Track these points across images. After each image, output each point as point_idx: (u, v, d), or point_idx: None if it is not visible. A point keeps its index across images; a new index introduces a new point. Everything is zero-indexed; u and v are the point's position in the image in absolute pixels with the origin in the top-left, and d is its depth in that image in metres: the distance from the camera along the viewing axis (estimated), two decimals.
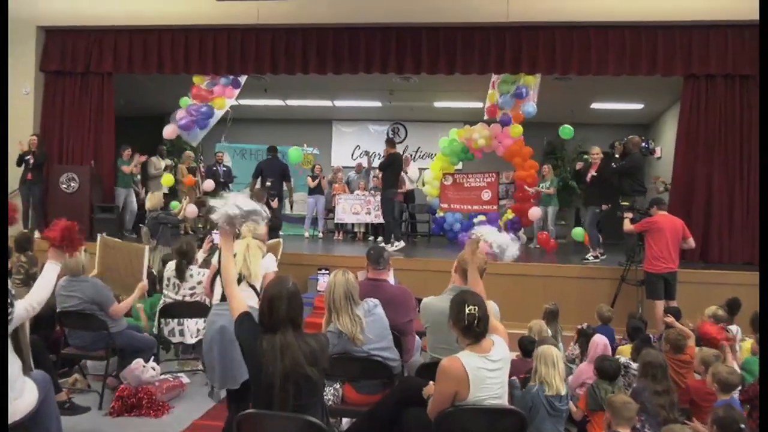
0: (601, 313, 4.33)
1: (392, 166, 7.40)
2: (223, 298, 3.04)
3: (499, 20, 7.11)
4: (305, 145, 10.27)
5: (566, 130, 8.69)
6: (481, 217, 9.36)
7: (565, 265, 6.45)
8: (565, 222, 10.81)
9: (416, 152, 12.85)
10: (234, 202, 2.24)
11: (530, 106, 8.18)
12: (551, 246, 8.06)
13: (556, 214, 8.66)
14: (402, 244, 7.45)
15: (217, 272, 3.37)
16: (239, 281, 3.74)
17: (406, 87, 9.76)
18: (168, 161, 9.58)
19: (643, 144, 6.22)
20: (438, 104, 11.28)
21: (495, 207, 8.80)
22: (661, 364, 2.86)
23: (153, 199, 6.30)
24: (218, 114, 8.44)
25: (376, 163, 9.43)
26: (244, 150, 10.29)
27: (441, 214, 9.65)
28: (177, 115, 8.36)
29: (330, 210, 10.14)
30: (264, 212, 2.32)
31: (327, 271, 4.00)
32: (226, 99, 8.43)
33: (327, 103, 11.60)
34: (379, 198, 8.38)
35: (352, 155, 12.93)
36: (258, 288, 3.14)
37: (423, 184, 10.07)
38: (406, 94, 10.38)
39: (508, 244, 2.76)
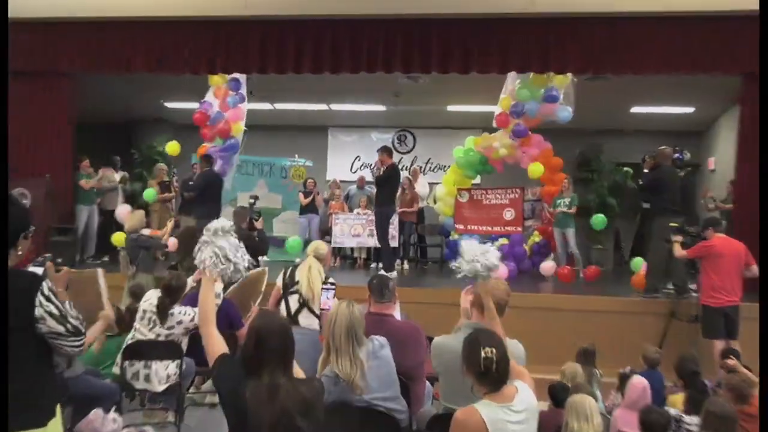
0: (647, 354, 4.27)
1: (392, 179, 7.55)
2: (290, 321, 3.36)
3: (523, 11, 7.07)
4: (296, 156, 10.36)
5: (599, 220, 8.85)
6: (503, 241, 9.38)
7: (604, 297, 6.39)
8: (603, 246, 10.80)
9: (426, 164, 12.96)
10: (220, 245, 2.31)
11: (565, 111, 8.24)
12: (592, 274, 8.04)
13: (574, 236, 8.53)
14: (394, 274, 7.53)
15: (282, 296, 3.99)
16: (301, 307, 3.94)
17: (414, 88, 9.85)
18: (123, 174, 9.70)
19: (676, 155, 6.20)
20: (451, 108, 11.38)
21: (519, 228, 8.82)
22: (729, 416, 2.79)
23: (133, 219, 6.29)
24: (239, 141, 9.20)
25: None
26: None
27: (456, 236, 9.67)
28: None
29: (326, 232, 10.18)
30: (244, 263, 2.38)
31: (333, 286, 3.99)
32: (240, 122, 8.97)
33: (322, 107, 11.71)
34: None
35: (352, 167, 13.03)
36: (319, 315, 3.22)
37: (434, 202, 10.14)
38: (415, 96, 10.49)
39: (487, 259, 2.75)
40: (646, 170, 6.67)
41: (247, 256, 2.42)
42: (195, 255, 2.35)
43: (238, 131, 9.01)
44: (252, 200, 7.39)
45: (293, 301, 4.04)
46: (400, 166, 12.58)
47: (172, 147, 9.33)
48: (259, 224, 6.74)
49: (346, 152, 13.14)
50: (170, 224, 6.56)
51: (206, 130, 8.91)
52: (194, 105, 10.99)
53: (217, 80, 8.99)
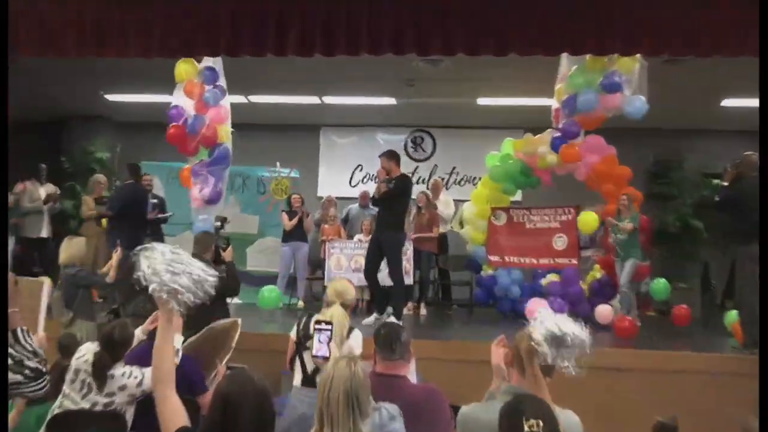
0: (748, 429, 4.25)
1: (404, 195, 7.75)
2: (307, 381, 3.77)
3: None
4: (278, 165, 10.45)
5: (660, 287, 8.89)
6: (553, 276, 9.37)
7: (689, 353, 6.37)
8: (686, 284, 10.74)
9: (450, 175, 13.05)
10: (178, 263, 2.37)
11: (636, 101, 8.22)
12: (681, 316, 7.98)
13: (632, 269, 8.37)
14: (375, 316, 7.64)
15: (297, 349, 4.33)
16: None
17: (434, 75, 9.94)
18: (51, 188, 9.81)
19: None
20: (483, 101, 11.48)
21: (574, 260, 8.80)
22: None
23: (70, 248, 6.31)
24: (230, 148, 9.24)
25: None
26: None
27: (489, 271, 9.67)
28: (194, 190, 8.94)
29: (317, 265, 10.21)
30: (209, 280, 2.41)
31: (329, 327, 4.02)
32: (226, 123, 9.07)
33: (312, 99, 11.87)
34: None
35: (351, 179, 13.13)
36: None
37: (461, 225, 10.21)
38: (434, 86, 10.60)
39: (576, 340, 2.76)
40: (725, 183, 6.69)
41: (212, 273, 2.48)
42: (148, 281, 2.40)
43: (226, 135, 9.03)
44: (219, 223, 7.46)
45: (310, 360, 4.17)
46: (415, 178, 12.92)
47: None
48: (227, 255, 6.72)
49: (343, 159, 13.29)
50: (117, 255, 6.56)
51: (183, 141, 8.84)
52: (144, 98, 11.13)
53: (184, 72, 8.88)
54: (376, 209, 9.98)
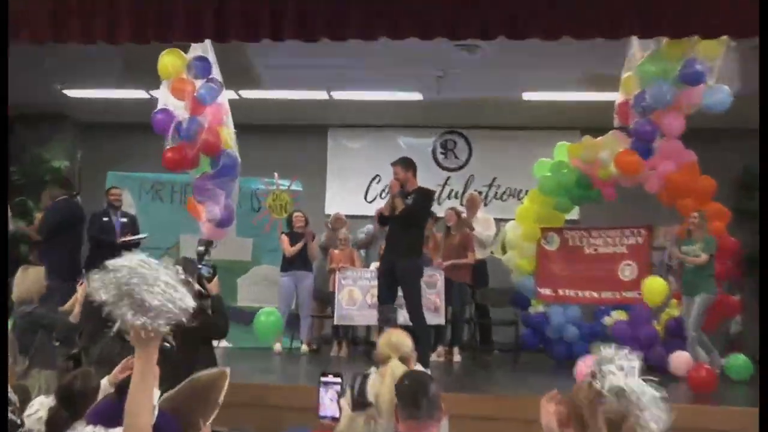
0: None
1: (426, 213, 8.03)
2: None
3: None
4: (276, 176, 10.47)
5: (738, 363, 8.44)
6: (619, 315, 9.29)
7: None
8: None
9: (489, 188, 13.05)
10: (157, 277, 2.33)
11: (719, 94, 8.15)
12: None
13: (706, 307, 8.19)
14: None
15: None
16: None
17: (469, 64, 9.98)
18: None
19: None
20: (530, 96, 11.51)
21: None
22: None
23: (25, 280, 6.32)
24: (237, 155, 9.27)
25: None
26: (161, 183, 10.73)
27: (539, 307, 9.62)
28: (207, 211, 8.93)
29: (324, 300, 10.25)
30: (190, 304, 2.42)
31: (338, 379, 4.04)
32: (227, 124, 9.08)
33: (319, 95, 11.96)
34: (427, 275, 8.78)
35: (367, 193, 13.15)
36: None
37: (503, 250, 10.26)
38: (469, 77, 10.64)
39: (650, 403, 2.73)
40: None
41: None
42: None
43: (230, 139, 9.02)
44: (202, 248, 7.45)
45: None
46: (446, 192, 13.08)
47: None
48: (213, 287, 6.70)
49: (357, 169, 13.35)
50: (82, 288, 6.58)
51: (181, 151, 8.78)
52: (112, 93, 11.25)
53: (171, 67, 8.80)
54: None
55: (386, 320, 7.69)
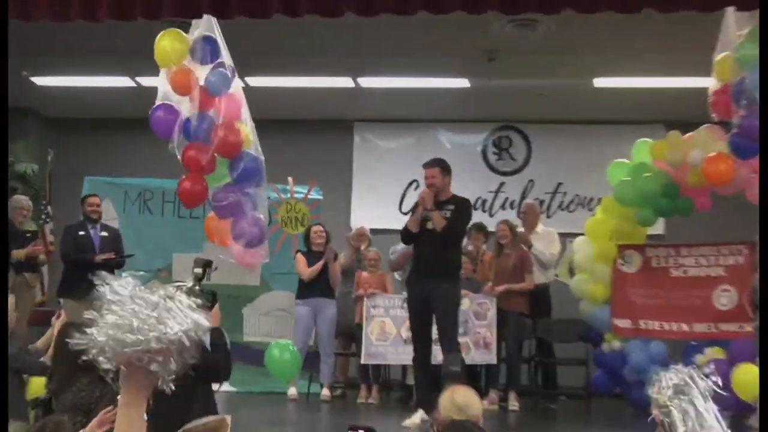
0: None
1: (465, 229, 8.27)
2: None
3: None
4: (290, 181, 10.52)
5: None
6: (715, 352, 9.18)
7: None
8: None
9: (553, 195, 13.04)
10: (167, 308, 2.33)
11: None
12: None
13: None
14: (421, 416, 7.70)
15: None
16: None
17: (527, 44, 10.02)
18: None
19: None
20: (602, 82, 11.51)
21: (748, 326, 8.69)
22: None
23: None
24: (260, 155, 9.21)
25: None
26: (150, 191, 10.78)
27: (615, 343, 9.54)
28: (235, 229, 8.92)
29: (349, 333, 10.33)
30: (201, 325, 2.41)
31: None
32: (244, 117, 9.02)
33: (343, 81, 12.03)
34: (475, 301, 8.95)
35: (402, 203, 13.16)
36: None
37: (570, 273, 10.25)
38: (528, 60, 10.69)
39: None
40: None
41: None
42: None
43: (248, 137, 8.95)
44: (200, 270, 7.44)
45: None
46: (500, 200, 13.13)
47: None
48: (213, 318, 6.76)
49: (389, 172, 13.41)
50: (59, 322, 6.63)
51: (194, 155, 8.73)
52: (90, 81, 11.36)
53: (171, 51, 8.69)
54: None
55: (450, 375, 7.65)
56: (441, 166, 8.02)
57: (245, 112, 9.04)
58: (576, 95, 11.89)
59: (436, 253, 7.90)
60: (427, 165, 8.07)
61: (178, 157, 8.59)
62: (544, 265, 10.19)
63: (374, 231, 11.28)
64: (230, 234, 8.88)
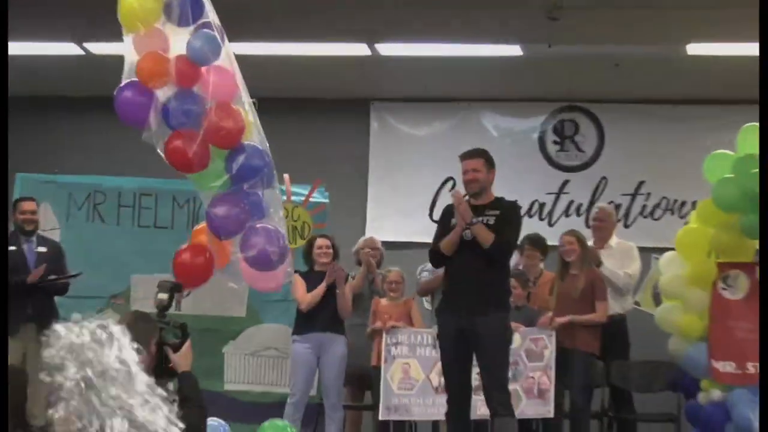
0: None
1: (513, 240, 8.24)
2: None
3: None
4: (287, 181, 10.52)
5: None
6: None
7: None
8: None
9: (633, 198, 13.05)
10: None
11: None
12: None
13: None
14: None
15: None
16: None
17: (600, 2, 9.94)
18: None
19: None
20: (697, 48, 11.46)
21: None
22: None
23: None
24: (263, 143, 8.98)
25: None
26: (102, 192, 10.73)
27: (715, 392, 9.50)
28: (244, 247, 8.82)
29: (362, 379, 10.30)
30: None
31: None
32: (239, 91, 8.85)
33: (357, 49, 12.11)
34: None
35: (432, 208, 13.18)
36: None
37: (654, 300, 10.34)
38: (598, 20, 10.71)
39: None
40: None
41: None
42: None
43: (249, 120, 8.80)
44: (165, 296, 7.45)
45: None
46: (564, 202, 13.13)
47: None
48: (182, 359, 6.80)
49: (416, 167, 13.51)
50: None
51: (180, 146, 8.60)
52: (21, 48, 11.45)
53: (139, 10, 8.52)
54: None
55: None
56: (485, 157, 8.05)
57: (242, 88, 8.94)
58: (662, 66, 11.89)
59: (479, 274, 7.91)
60: (467, 156, 8.07)
61: (159, 149, 8.46)
62: (620, 290, 10.09)
63: (397, 245, 11.50)
64: (233, 249, 8.79)
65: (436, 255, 8.16)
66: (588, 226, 11.19)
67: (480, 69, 12.49)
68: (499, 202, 7.96)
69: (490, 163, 8.05)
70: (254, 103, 8.93)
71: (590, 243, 10.16)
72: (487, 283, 7.90)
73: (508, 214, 7.83)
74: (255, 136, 8.80)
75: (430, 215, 13.05)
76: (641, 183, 13.05)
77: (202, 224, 8.93)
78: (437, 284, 10.02)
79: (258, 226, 8.70)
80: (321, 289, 9.76)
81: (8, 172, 9.17)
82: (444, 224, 8.08)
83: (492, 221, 7.74)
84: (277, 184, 9.15)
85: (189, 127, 8.36)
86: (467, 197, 7.94)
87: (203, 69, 8.45)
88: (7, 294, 2.31)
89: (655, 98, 12.83)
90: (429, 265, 10.53)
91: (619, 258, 10.28)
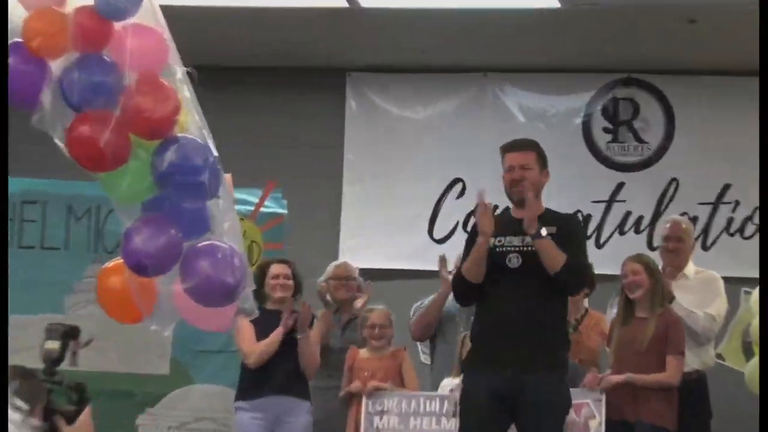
0: None
1: (585, 265, 8.12)
2: None
3: None
4: (227, 181, 10.46)
5: None
6: None
7: None
8: None
9: (715, 208, 12.99)
10: None
11: None
12: None
13: None
14: None
15: None
16: None
17: None
18: None
19: None
20: None
21: None
22: None
23: None
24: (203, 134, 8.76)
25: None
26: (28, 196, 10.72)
27: None
28: (186, 278, 8.66)
29: None
30: None
31: None
32: (172, 77, 8.68)
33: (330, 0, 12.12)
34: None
35: (433, 223, 13.14)
36: None
37: (745, 352, 10.42)
38: None
39: None
40: None
41: None
42: None
43: (183, 100, 8.71)
44: (56, 345, 7.42)
45: None
46: (619, 213, 13.08)
47: None
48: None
49: (409, 163, 13.49)
50: None
51: (88, 134, 8.51)
52: None
53: None
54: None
55: None
56: (537, 150, 7.89)
57: (172, 55, 8.76)
58: (755, 21, 11.80)
59: (530, 314, 7.73)
60: (513, 147, 7.91)
61: (56, 138, 8.36)
62: (698, 336, 9.93)
63: (382, 274, 11.47)
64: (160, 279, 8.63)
65: (460, 285, 7.93)
66: (652, 248, 11.10)
67: (500, 26, 12.45)
68: (553, 215, 7.82)
69: (543, 161, 7.89)
70: (190, 74, 8.87)
71: (663, 268, 10.10)
72: (543, 326, 7.75)
73: (571, 231, 7.77)
74: (192, 121, 8.34)
75: (429, 233, 13.11)
76: (726, 187, 13.03)
77: (116, 261, 8.51)
78: (435, 316, 9.99)
79: (202, 244, 8.56)
80: (277, 335, 9.61)
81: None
82: (467, 247, 7.83)
83: (545, 234, 7.51)
84: (226, 186, 8.95)
85: (99, 107, 7.98)
86: (510, 207, 7.85)
87: (117, 26, 8.16)
88: (7, 293, 2.49)
89: (746, 69, 12.58)
90: (429, 300, 10.49)
91: (697, 293, 10.15)
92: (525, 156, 7.81)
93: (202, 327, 8.49)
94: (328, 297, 10.73)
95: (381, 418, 9.57)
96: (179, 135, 7.90)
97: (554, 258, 7.48)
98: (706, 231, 12.72)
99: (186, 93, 8.11)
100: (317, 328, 9.97)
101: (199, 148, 7.93)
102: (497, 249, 7.63)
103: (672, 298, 9.73)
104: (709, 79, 13.09)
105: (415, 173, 13.37)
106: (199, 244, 7.88)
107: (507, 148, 7.92)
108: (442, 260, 10.67)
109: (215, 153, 7.97)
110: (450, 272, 9.97)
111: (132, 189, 7.97)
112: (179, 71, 8.29)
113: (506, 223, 7.65)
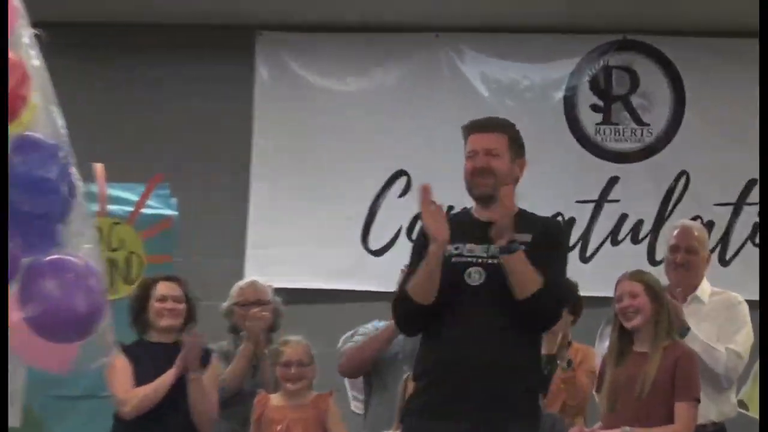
0: None
1: (566, 287, 8.14)
2: None
3: None
4: (98, 172, 10.41)
5: None
6: None
7: None
8: None
9: (736, 215, 12.96)
10: None
11: None
12: None
13: None
14: None
15: None
16: None
17: None
18: None
19: None
20: None
21: None
22: None
23: None
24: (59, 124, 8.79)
25: None
26: None
27: None
28: (25, 299, 8.63)
29: None
30: None
31: None
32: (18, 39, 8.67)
33: None
34: None
35: (368, 229, 13.12)
36: None
37: None
38: None
39: None
40: None
41: None
42: None
43: (30, 71, 8.73)
44: None
45: None
46: (614, 216, 13.11)
47: None
48: None
49: (337, 150, 13.48)
50: None
51: None
52: None
53: None
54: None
55: None
56: (509, 133, 7.46)
57: (18, 12, 8.75)
58: None
59: (493, 347, 7.47)
60: (478, 126, 7.55)
61: None
62: (718, 380, 9.93)
63: (300, 295, 11.38)
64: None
65: (404, 308, 7.48)
66: (655, 263, 11.07)
67: None
68: (529, 219, 7.41)
69: (518, 147, 7.47)
70: (38, 37, 8.76)
71: (670, 290, 10.03)
72: (511, 367, 7.45)
73: (550, 241, 7.43)
74: (41, 105, 8.61)
75: (364, 241, 13.12)
76: (751, 183, 13.03)
77: None
78: (377, 352, 9.92)
79: (47, 260, 8.50)
80: (167, 378, 9.57)
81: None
82: (422, 254, 7.25)
83: (517, 246, 7.38)
84: (80, 187, 8.87)
85: None
86: (472, 206, 7.47)
87: None
88: (7, 292, 2.63)
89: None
90: (369, 326, 10.41)
91: (714, 321, 10.10)
92: (493, 138, 7.43)
93: (38, 365, 8.44)
94: (233, 319, 10.64)
95: None
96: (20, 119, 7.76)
97: (525, 281, 7.14)
98: (725, 240, 12.68)
99: (35, 61, 7.97)
100: (212, 370, 9.86)
101: (48, 136, 7.79)
102: (453, 261, 7.23)
103: (686, 329, 9.60)
104: (728, 42, 13.04)
105: (345, 164, 13.29)
106: (45, 260, 7.84)
107: (471, 128, 7.56)
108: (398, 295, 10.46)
109: (66, 145, 7.80)
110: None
111: None
112: (25, 34, 8.28)
113: (466, 227, 7.31)
